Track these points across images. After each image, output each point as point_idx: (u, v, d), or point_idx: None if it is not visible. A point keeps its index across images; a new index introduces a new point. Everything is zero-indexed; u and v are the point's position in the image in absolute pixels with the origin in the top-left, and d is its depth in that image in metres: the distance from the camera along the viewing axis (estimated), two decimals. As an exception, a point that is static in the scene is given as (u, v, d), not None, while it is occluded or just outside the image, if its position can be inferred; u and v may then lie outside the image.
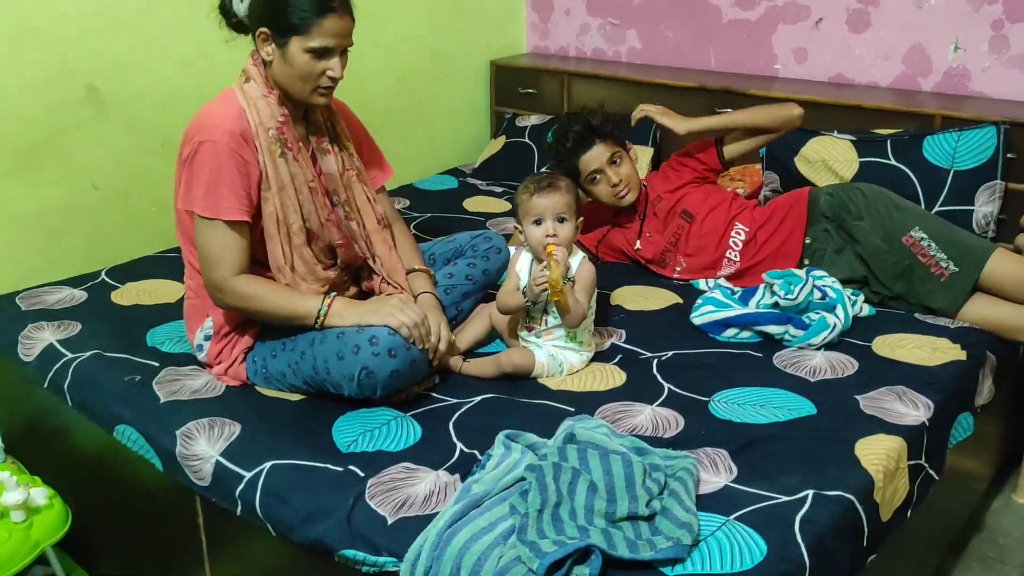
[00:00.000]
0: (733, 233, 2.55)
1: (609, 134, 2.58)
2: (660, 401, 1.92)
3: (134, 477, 1.97)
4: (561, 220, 1.99)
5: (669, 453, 1.66)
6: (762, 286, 2.36)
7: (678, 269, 2.61)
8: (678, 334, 2.24)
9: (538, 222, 2.00)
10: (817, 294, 2.21)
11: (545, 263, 1.93)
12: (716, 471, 1.65)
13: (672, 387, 1.98)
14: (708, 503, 1.55)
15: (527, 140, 3.59)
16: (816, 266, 2.44)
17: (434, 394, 1.96)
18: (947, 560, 2.31)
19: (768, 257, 2.51)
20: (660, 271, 2.64)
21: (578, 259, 2.04)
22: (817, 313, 2.18)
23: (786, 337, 2.15)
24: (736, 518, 1.51)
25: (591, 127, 2.56)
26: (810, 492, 1.58)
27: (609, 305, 2.43)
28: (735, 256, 2.53)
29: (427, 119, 3.76)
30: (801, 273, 2.25)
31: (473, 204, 3.32)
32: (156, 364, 2.09)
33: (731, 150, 2.63)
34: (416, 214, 3.19)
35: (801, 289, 2.18)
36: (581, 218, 2.06)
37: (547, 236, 1.98)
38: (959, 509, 2.36)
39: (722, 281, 2.50)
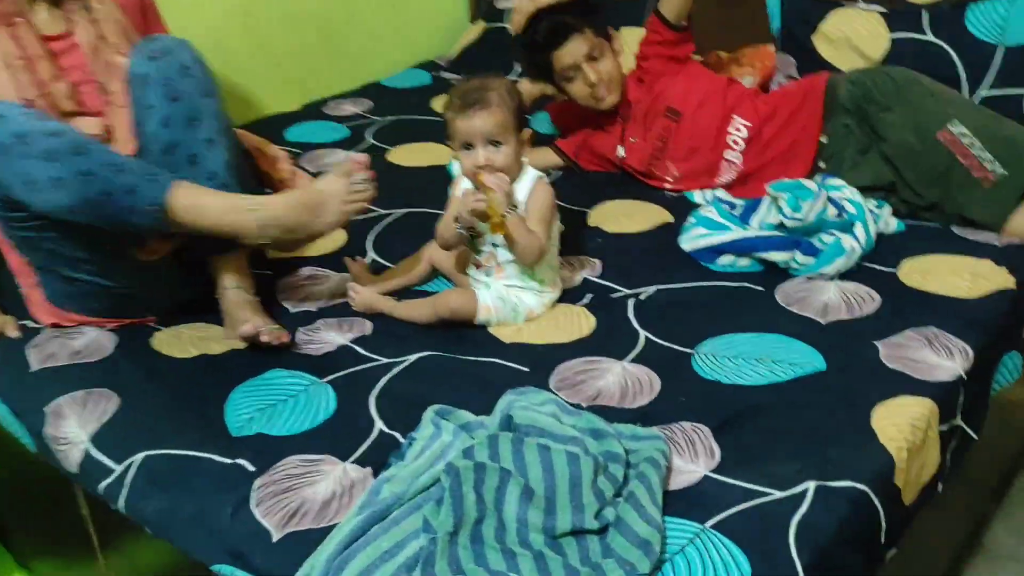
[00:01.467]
0: (732, 129, 2.13)
1: (588, 23, 2.14)
2: (634, 355, 1.57)
3: (14, 458, 1.68)
4: (495, 144, 1.61)
5: (636, 431, 1.32)
6: (766, 199, 1.96)
7: (669, 179, 2.21)
8: (664, 263, 1.87)
9: (468, 146, 1.62)
10: (832, 210, 1.82)
11: (480, 190, 1.57)
12: (693, 456, 1.31)
13: (650, 335, 1.62)
14: (679, 503, 1.22)
15: (508, 25, 3.12)
16: (834, 170, 2.03)
17: (360, 349, 1.62)
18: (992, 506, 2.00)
19: (776, 159, 2.10)
20: (649, 182, 2.24)
21: (530, 180, 1.66)
22: (831, 235, 1.79)
23: (792, 265, 1.77)
24: (713, 525, 1.18)
25: (563, 19, 2.12)
26: (810, 485, 1.23)
27: (585, 227, 2.05)
28: (736, 157, 2.12)
29: (396, 1, 3.30)
30: (812, 185, 1.85)
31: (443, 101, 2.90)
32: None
33: (669, 5, 2.17)
34: (376, 118, 2.79)
35: (812, 205, 1.78)
36: (528, 131, 1.66)
37: (478, 167, 1.61)
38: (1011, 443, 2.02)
39: (722, 192, 2.10)
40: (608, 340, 1.62)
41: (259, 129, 2.67)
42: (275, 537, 1.21)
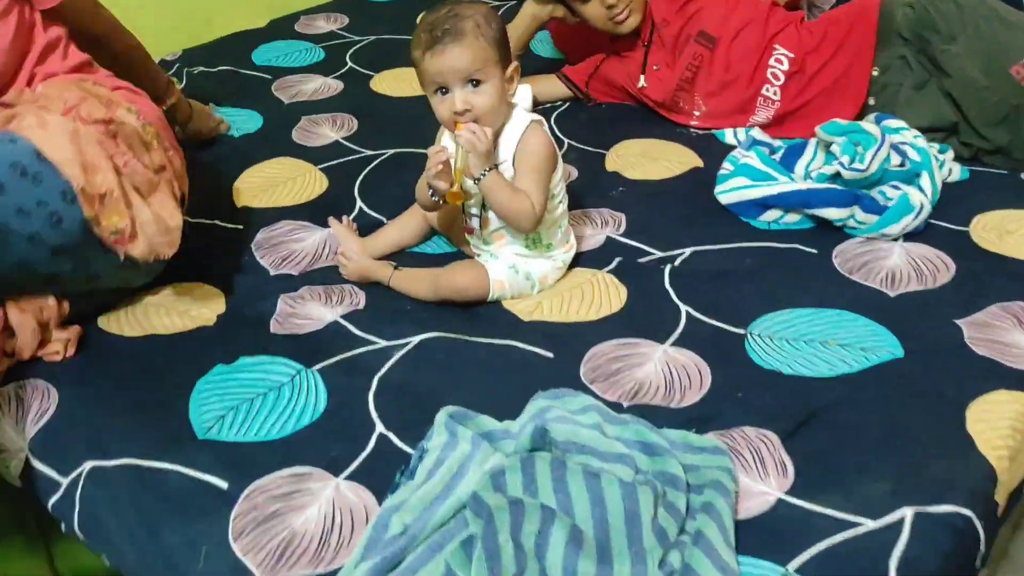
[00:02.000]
0: (772, 61, 1.86)
1: None
2: (676, 337, 1.33)
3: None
4: (475, 83, 1.31)
5: (691, 440, 1.09)
6: (813, 142, 1.71)
7: (696, 114, 1.94)
8: (698, 218, 1.62)
9: (442, 91, 1.33)
10: (895, 158, 1.57)
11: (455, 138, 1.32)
12: (763, 473, 1.09)
13: (692, 311, 1.38)
14: (752, 536, 1.00)
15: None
16: (887, 109, 1.78)
17: (352, 328, 1.37)
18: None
19: (819, 96, 1.84)
20: (672, 116, 1.98)
21: (520, 125, 1.37)
22: (895, 187, 1.55)
23: (850, 223, 1.53)
24: (799, 568, 0.97)
25: None
26: (907, 513, 1.02)
27: (602, 172, 1.79)
28: (774, 93, 1.86)
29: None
30: (872, 128, 1.59)
31: (429, 20, 2.58)
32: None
33: None
34: (355, 37, 2.46)
35: (875, 154, 1.53)
36: (514, 64, 1.36)
37: (455, 114, 1.32)
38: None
39: (756, 132, 1.84)
40: (644, 316, 1.38)
41: (220, 50, 2.37)
42: (260, 586, 0.98)
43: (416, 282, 1.45)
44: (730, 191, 1.61)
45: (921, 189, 1.54)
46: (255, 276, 1.51)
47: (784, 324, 1.34)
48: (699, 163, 1.81)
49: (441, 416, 1.14)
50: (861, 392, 1.21)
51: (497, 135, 1.36)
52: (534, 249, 1.44)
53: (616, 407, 1.18)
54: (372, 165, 1.84)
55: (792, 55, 1.85)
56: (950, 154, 1.71)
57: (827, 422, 1.16)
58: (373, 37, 2.45)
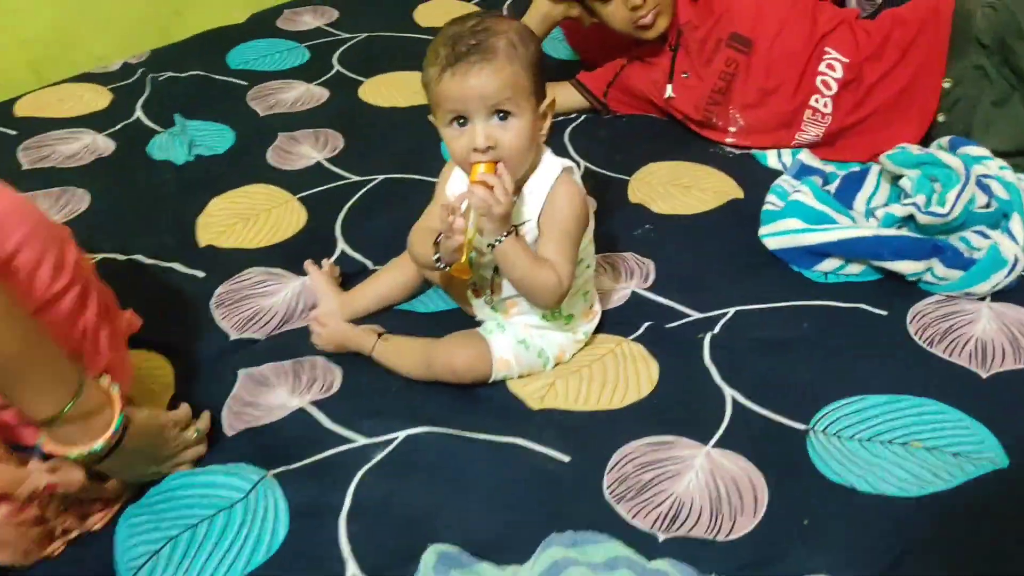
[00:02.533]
0: (823, 67, 1.59)
1: None
2: (721, 434, 1.08)
3: None
4: (502, 115, 1.05)
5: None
6: (875, 170, 1.45)
7: (732, 129, 1.68)
8: (741, 266, 1.37)
9: (460, 121, 1.06)
10: (980, 197, 1.30)
11: (465, 196, 1.03)
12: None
13: (739, 396, 1.13)
14: None
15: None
16: (961, 129, 1.51)
17: (323, 418, 1.12)
18: None
19: (879, 110, 1.57)
20: (704, 132, 1.71)
21: (549, 175, 1.11)
22: (981, 234, 1.29)
23: (927, 278, 1.27)
24: None
25: None
26: None
27: (625, 204, 1.53)
28: (825, 105, 1.59)
29: None
30: (953, 161, 1.32)
31: (429, 13, 2.31)
32: None
33: None
34: (345, 35, 2.20)
35: (958, 196, 1.27)
36: (549, 99, 1.09)
37: (475, 152, 1.04)
38: None
39: (805, 155, 1.58)
40: (680, 403, 1.13)
41: (192, 50, 2.11)
42: None
43: (404, 356, 1.20)
44: (779, 235, 1.35)
45: (1012, 236, 1.28)
46: (212, 342, 1.26)
47: (855, 417, 1.09)
48: (738, 193, 1.54)
49: (429, 558, 0.90)
50: (959, 519, 0.96)
51: (520, 185, 1.10)
52: (552, 321, 1.18)
53: (650, 542, 0.94)
54: (359, 194, 1.58)
55: (847, 60, 1.58)
56: (1038, 186, 1.44)
57: (922, 566, 0.91)
58: (364, 35, 2.19)
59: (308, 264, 1.35)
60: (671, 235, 1.44)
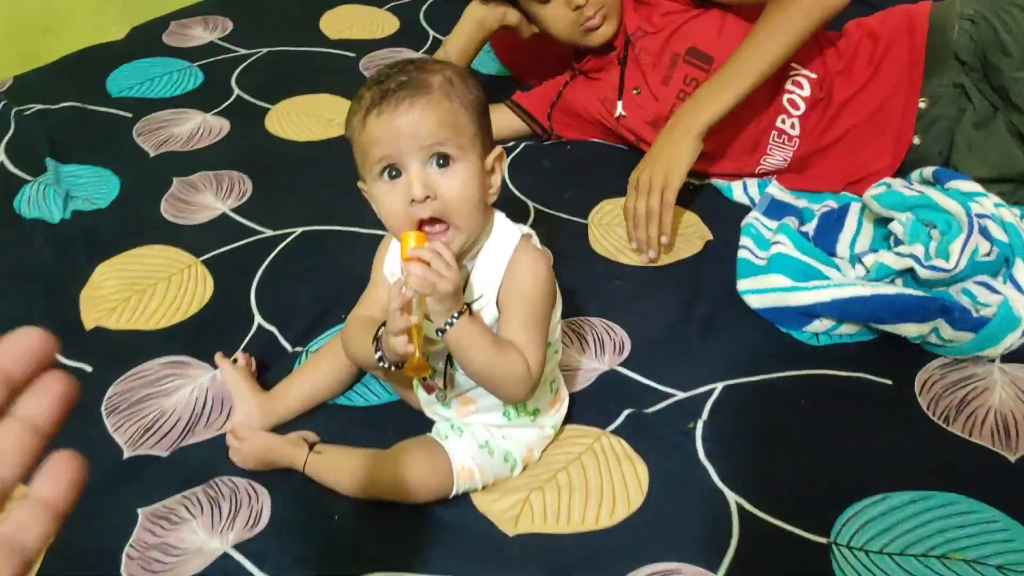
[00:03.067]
0: (789, 84, 1.43)
1: None
2: (731, 557, 0.92)
3: None
4: (442, 161, 0.85)
5: None
6: (855, 209, 1.31)
7: (690, 156, 1.51)
8: (722, 326, 1.21)
9: (391, 172, 0.86)
10: (983, 246, 1.17)
11: (403, 281, 0.83)
12: None
13: (745, 503, 0.97)
14: None
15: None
16: (938, 152, 1.39)
17: (256, 570, 0.92)
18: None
19: (851, 132, 1.42)
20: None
21: (503, 243, 0.92)
22: (987, 287, 1.15)
23: (931, 339, 1.14)
24: None
25: None
26: None
27: (586, 252, 1.35)
28: (792, 126, 1.44)
29: None
30: (953, 207, 1.18)
31: (337, 22, 2.07)
32: None
33: None
34: (243, 51, 1.94)
35: (963, 247, 1.13)
36: (497, 150, 0.90)
37: (412, 203, 0.84)
38: None
39: (774, 187, 1.42)
40: (678, 516, 0.96)
41: (63, 75, 1.82)
42: None
43: (344, 471, 0.99)
44: (763, 292, 1.20)
45: (1018, 286, 1.15)
46: (102, 463, 1.03)
47: (880, 524, 0.94)
48: (707, 234, 1.38)
49: None
50: (1020, 659, 0.82)
51: (469, 253, 0.91)
52: (516, 417, 1.00)
53: None
54: (274, 253, 1.36)
55: (815, 76, 1.42)
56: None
57: None
58: (264, 50, 1.94)
59: (219, 358, 1.13)
60: (642, 291, 1.27)
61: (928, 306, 1.11)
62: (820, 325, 1.17)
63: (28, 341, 0.34)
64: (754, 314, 1.21)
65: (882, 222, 1.26)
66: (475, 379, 0.91)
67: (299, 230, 1.41)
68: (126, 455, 1.05)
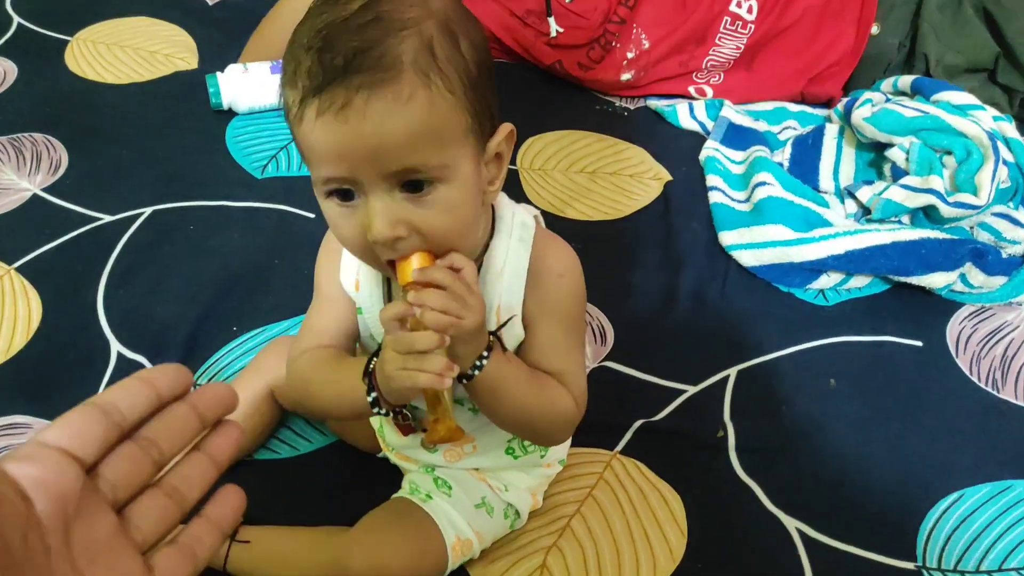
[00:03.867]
0: None
1: None
2: (813, 608, 0.74)
3: None
4: (413, 185, 0.55)
5: None
6: (831, 131, 1.13)
7: (631, 56, 1.26)
8: (713, 294, 1.00)
9: (341, 195, 0.56)
10: (1001, 170, 1.01)
11: (397, 312, 0.55)
12: None
13: (808, 530, 0.79)
14: None
15: None
16: (899, 42, 1.23)
17: None
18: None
19: (805, 17, 1.24)
20: (589, 76, 1.28)
21: (519, 237, 0.64)
22: (1008, 220, 1.01)
23: (958, 287, 0.98)
24: None
25: None
26: None
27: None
28: (749, 11, 1.24)
29: None
30: (971, 128, 1.01)
31: None
32: None
33: None
34: None
35: (993, 179, 0.97)
36: (507, 127, 0.60)
37: (376, 243, 0.56)
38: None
39: (728, 111, 1.21)
40: (733, 558, 0.77)
41: None
42: None
43: (290, 567, 0.72)
44: (757, 248, 1.00)
45: None
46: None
47: (965, 533, 0.79)
48: (663, 173, 1.16)
49: None
50: None
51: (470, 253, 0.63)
52: (524, 455, 0.76)
53: None
54: (119, 247, 1.02)
55: None
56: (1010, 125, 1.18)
57: None
58: None
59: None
60: (606, 256, 1.04)
61: (958, 251, 0.95)
62: (827, 280, 0.99)
63: (218, 391, 0.40)
64: (746, 273, 1.01)
65: (868, 147, 1.09)
66: (504, 427, 0.67)
67: (147, 211, 1.06)
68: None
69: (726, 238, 1.02)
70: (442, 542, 0.72)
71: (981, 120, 1.06)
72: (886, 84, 1.17)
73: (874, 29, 1.24)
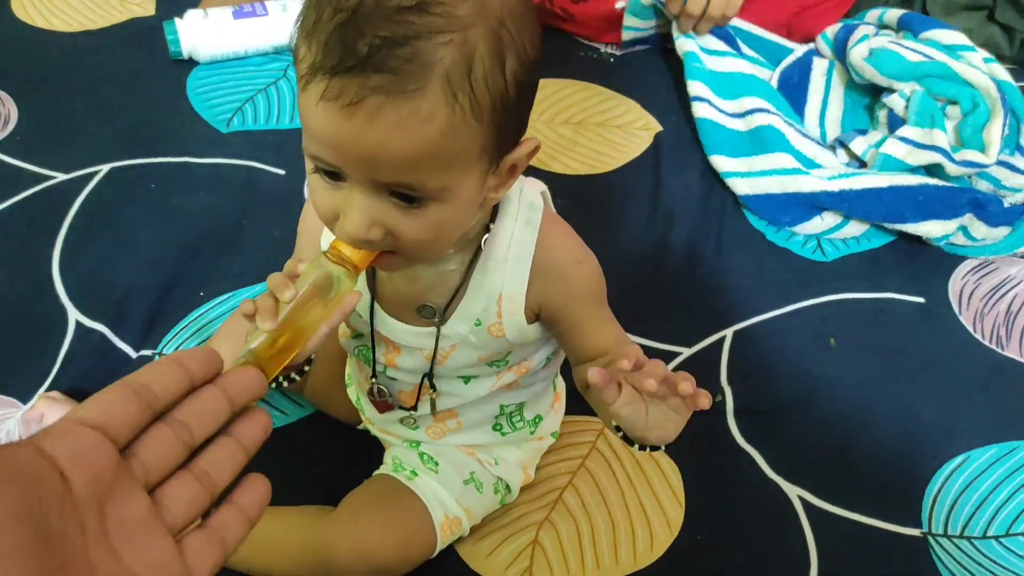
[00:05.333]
0: None
1: None
2: (815, 574, 0.71)
3: None
4: (406, 199, 0.48)
5: None
6: (819, 67, 1.08)
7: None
8: (707, 249, 0.96)
9: (331, 174, 0.49)
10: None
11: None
12: None
13: (810, 497, 0.76)
14: None
15: None
16: None
17: None
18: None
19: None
20: (582, 9, 1.21)
21: (526, 220, 0.58)
22: (1008, 167, 0.96)
23: (958, 240, 0.94)
24: None
25: None
26: None
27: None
28: None
29: None
30: (979, 78, 0.97)
31: None
32: None
33: None
34: None
35: (1003, 133, 0.93)
36: (532, 143, 0.52)
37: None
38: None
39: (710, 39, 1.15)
40: (735, 530, 0.73)
41: None
42: None
43: (272, 549, 0.68)
44: (755, 176, 0.95)
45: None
46: None
47: (971, 498, 0.76)
48: (656, 125, 1.10)
49: None
50: None
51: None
52: (513, 431, 0.71)
53: None
54: (75, 207, 0.95)
55: None
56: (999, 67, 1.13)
57: None
58: None
59: (42, 401, 0.76)
60: (594, 211, 0.99)
61: (957, 199, 0.91)
62: (821, 223, 0.95)
63: (249, 378, 0.40)
64: (742, 228, 0.97)
65: (860, 89, 1.04)
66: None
67: (104, 168, 1.00)
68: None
69: (722, 163, 0.98)
70: (430, 522, 0.68)
71: (970, 60, 1.01)
72: (871, 15, 1.12)
73: None
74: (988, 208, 0.91)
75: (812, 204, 0.94)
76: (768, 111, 0.98)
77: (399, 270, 0.56)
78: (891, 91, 0.98)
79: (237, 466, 0.39)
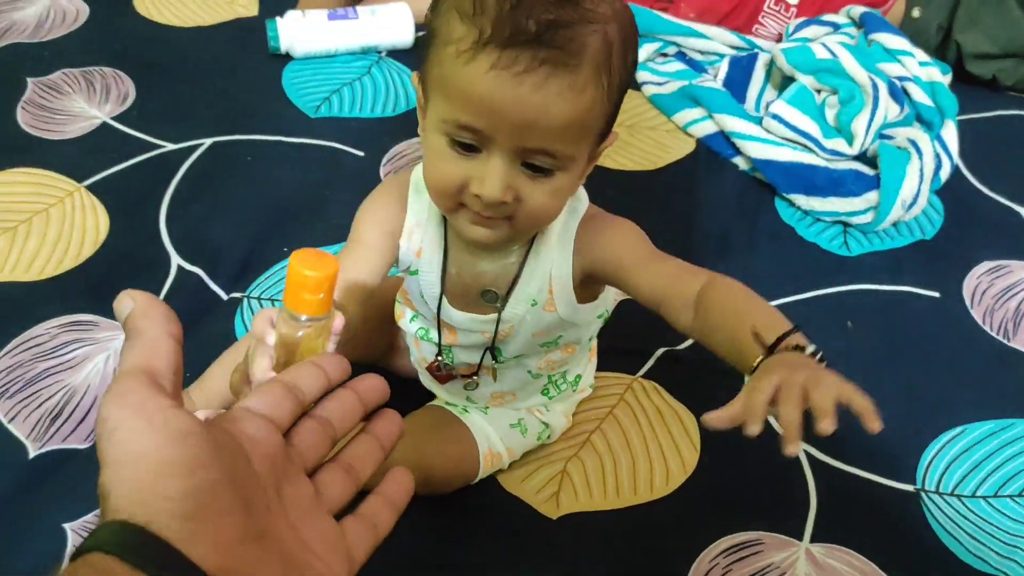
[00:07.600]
0: None
1: None
2: (813, 519, 0.79)
3: None
4: (534, 169, 0.57)
5: None
6: (763, 60, 1.20)
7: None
8: (745, 230, 1.06)
9: (464, 145, 0.57)
10: (892, 109, 1.08)
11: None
12: None
13: (817, 453, 0.84)
14: None
15: None
16: (937, 26, 1.28)
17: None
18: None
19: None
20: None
21: (569, 216, 0.67)
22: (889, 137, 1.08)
23: (856, 220, 1.05)
24: None
25: None
26: None
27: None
28: None
29: None
30: (861, 75, 1.08)
31: None
32: None
33: None
34: None
35: (870, 122, 1.06)
36: (614, 134, 0.63)
37: (474, 199, 0.58)
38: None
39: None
40: (742, 474, 0.82)
41: None
42: None
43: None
44: (765, 144, 1.06)
45: (947, 148, 1.08)
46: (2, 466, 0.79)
47: (965, 463, 0.83)
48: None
49: None
50: None
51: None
52: (560, 393, 0.81)
53: None
54: (181, 172, 1.09)
55: None
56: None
57: None
58: None
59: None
60: (640, 203, 1.08)
61: (815, 180, 1.03)
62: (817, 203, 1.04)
63: (377, 382, 0.43)
64: (772, 225, 1.06)
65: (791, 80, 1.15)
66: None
67: (207, 141, 1.13)
68: (32, 453, 0.80)
69: (726, 121, 1.11)
70: (476, 452, 0.77)
71: (906, 64, 1.11)
72: (843, 9, 1.24)
73: (915, 12, 1.27)
74: (846, 185, 1.02)
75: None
76: (710, 79, 1.14)
77: (497, 243, 0.62)
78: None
79: (376, 461, 0.42)
